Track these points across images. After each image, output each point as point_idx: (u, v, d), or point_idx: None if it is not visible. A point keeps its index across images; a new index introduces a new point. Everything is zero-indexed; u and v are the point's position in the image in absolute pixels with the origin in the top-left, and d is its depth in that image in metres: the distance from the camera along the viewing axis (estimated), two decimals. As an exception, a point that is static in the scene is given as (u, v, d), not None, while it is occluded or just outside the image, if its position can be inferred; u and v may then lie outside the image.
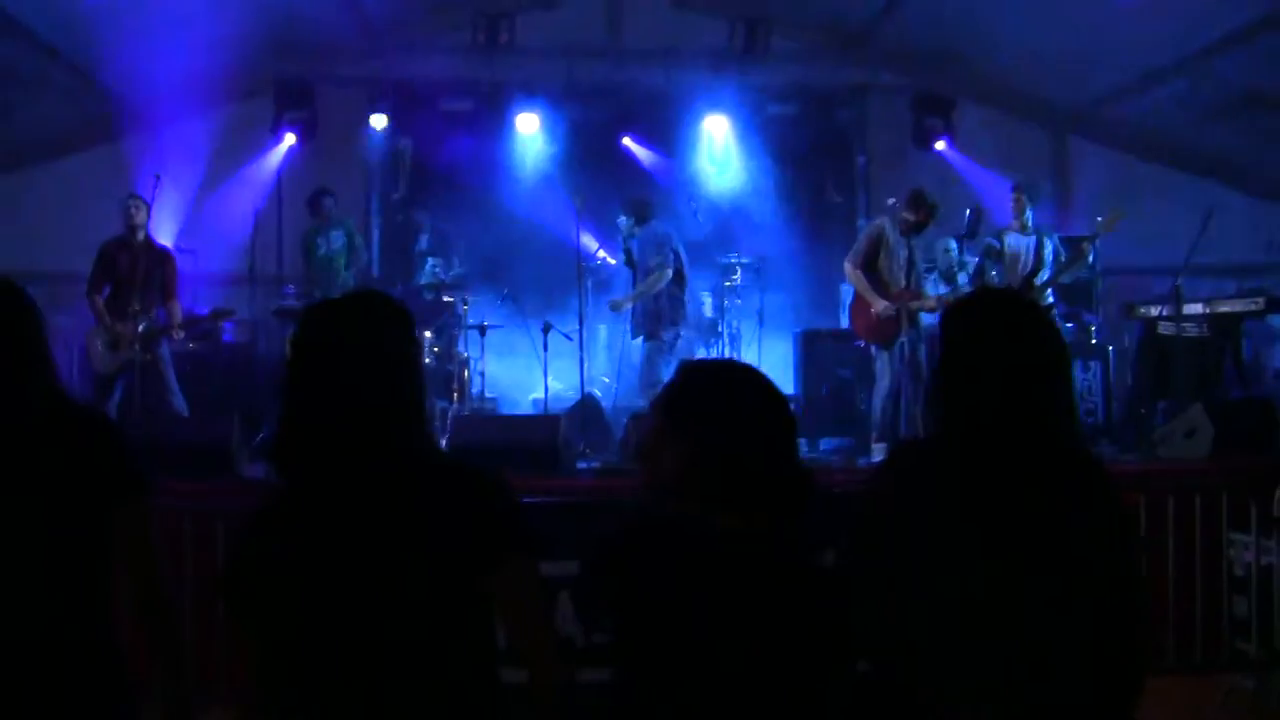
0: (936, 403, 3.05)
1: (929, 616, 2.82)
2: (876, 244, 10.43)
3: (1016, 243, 10.70)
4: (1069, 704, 2.81)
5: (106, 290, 10.22)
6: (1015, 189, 10.89)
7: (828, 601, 2.85)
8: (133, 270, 10.17)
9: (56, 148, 13.04)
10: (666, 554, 2.84)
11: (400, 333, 2.97)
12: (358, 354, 2.86)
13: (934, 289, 11.13)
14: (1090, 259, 10.72)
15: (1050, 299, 10.56)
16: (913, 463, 3.06)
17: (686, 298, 10.96)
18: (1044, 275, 10.49)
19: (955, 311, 3.16)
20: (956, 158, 13.95)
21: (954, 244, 12.10)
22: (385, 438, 2.82)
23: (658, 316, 10.66)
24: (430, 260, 12.02)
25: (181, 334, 10.51)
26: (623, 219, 11.03)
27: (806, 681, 2.81)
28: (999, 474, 2.85)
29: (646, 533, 2.91)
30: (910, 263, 10.38)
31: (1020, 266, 10.60)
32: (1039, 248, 10.61)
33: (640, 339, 10.80)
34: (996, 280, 10.59)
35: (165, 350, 10.33)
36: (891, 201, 10.64)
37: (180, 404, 10.20)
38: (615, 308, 11.22)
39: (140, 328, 10.04)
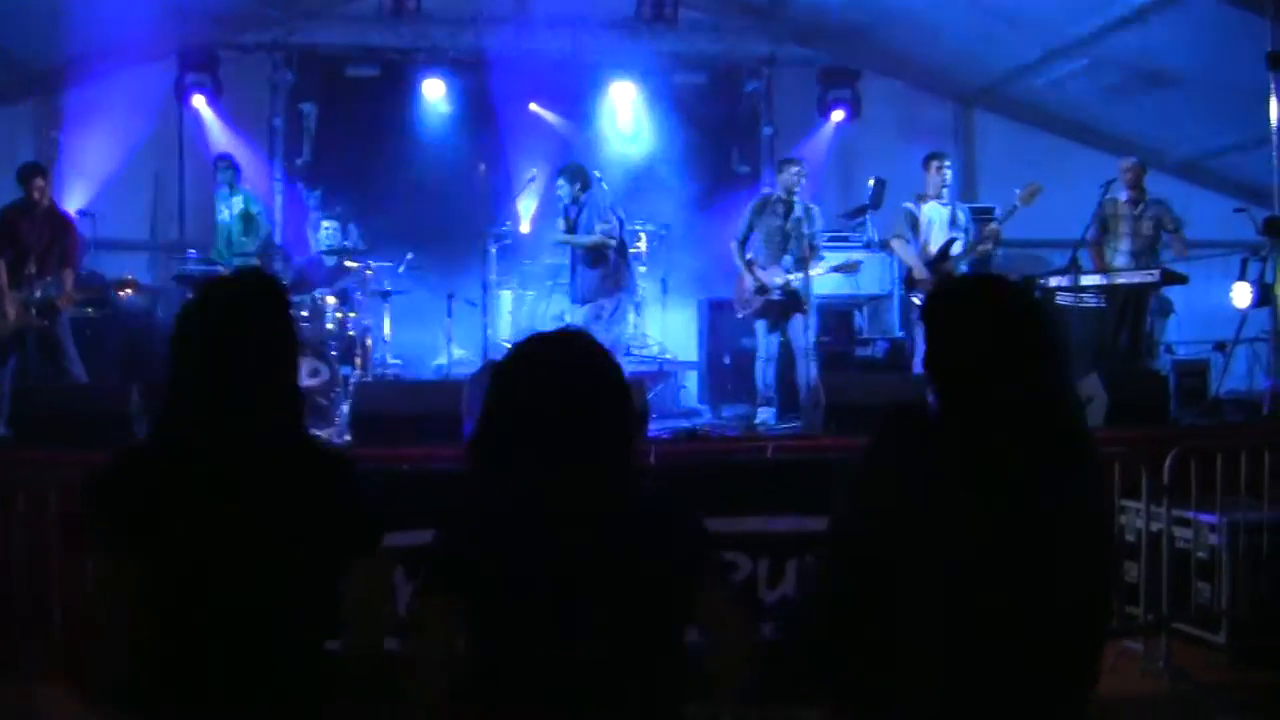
0: (931, 378, 3.08)
1: (920, 575, 2.84)
2: (750, 220, 10.76)
3: (934, 213, 10.80)
4: (1044, 663, 2.85)
5: (6, 256, 10.05)
6: (936, 156, 10.96)
7: (679, 563, 2.93)
8: (34, 237, 10.02)
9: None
10: (506, 527, 2.88)
11: (271, 318, 3.11)
12: (231, 339, 2.99)
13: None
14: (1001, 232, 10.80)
15: (964, 269, 10.69)
16: (910, 430, 3.06)
17: (627, 265, 11.05)
18: (958, 247, 10.60)
19: (940, 296, 3.24)
20: (862, 130, 14.02)
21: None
22: (251, 418, 2.95)
23: (600, 284, 10.74)
24: (324, 225, 11.88)
25: (73, 304, 10.34)
26: (564, 186, 10.99)
27: (657, 643, 2.89)
28: (996, 443, 2.87)
29: (483, 507, 2.94)
30: (786, 234, 10.57)
31: (937, 235, 10.70)
32: (955, 217, 10.73)
33: (582, 305, 10.81)
34: (913, 250, 10.70)
35: (64, 318, 10.18)
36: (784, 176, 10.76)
37: (79, 371, 10.06)
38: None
39: (38, 294, 9.90)
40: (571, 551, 2.81)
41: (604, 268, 10.76)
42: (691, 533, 3.02)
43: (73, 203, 12.24)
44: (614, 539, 2.86)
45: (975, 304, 3.08)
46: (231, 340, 2.99)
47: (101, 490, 2.95)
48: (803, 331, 10.43)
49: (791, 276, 10.41)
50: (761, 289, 10.55)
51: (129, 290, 11.03)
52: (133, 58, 13.28)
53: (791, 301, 10.47)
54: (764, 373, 10.70)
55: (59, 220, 10.30)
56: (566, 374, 2.95)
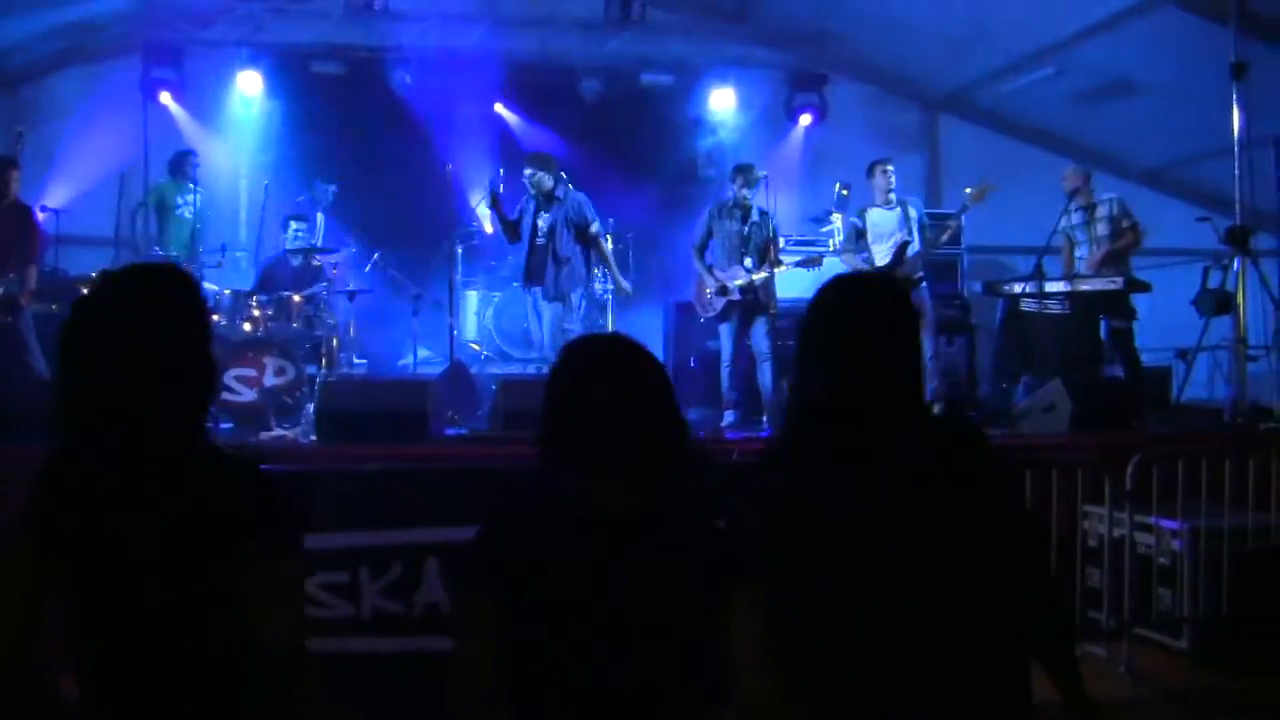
0: (794, 387, 3.13)
1: (816, 602, 2.88)
2: (708, 225, 10.88)
3: (880, 218, 10.87)
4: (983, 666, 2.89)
5: None
6: (879, 163, 11.04)
7: (713, 565, 2.90)
8: None
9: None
10: (548, 527, 2.90)
11: (180, 316, 2.96)
12: (127, 336, 2.85)
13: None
14: (958, 228, 10.85)
15: (920, 272, 10.73)
16: (785, 449, 3.12)
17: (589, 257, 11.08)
18: (913, 248, 10.64)
19: (813, 300, 3.21)
20: (827, 133, 14.06)
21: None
22: (150, 419, 2.84)
23: (571, 279, 10.73)
24: (294, 225, 11.84)
25: (33, 299, 10.28)
26: (543, 176, 10.85)
27: (693, 648, 2.87)
28: (861, 453, 2.91)
29: (529, 507, 2.97)
30: (744, 238, 10.64)
31: (888, 240, 10.75)
32: (904, 219, 10.77)
33: (551, 301, 10.72)
34: (865, 260, 10.75)
35: (26, 313, 10.12)
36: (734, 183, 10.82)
37: (41, 366, 10.00)
38: (624, 293, 11.58)
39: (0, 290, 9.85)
40: (618, 558, 2.83)
41: (575, 264, 10.79)
42: (729, 539, 3.02)
43: (36, 198, 12.18)
44: (659, 545, 2.87)
45: (817, 303, 3.13)
46: (120, 333, 2.84)
47: (38, 509, 2.86)
48: (765, 334, 10.52)
49: (755, 277, 10.45)
50: (723, 290, 10.59)
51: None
52: (98, 53, 13.23)
53: (753, 303, 10.55)
54: (727, 376, 10.74)
55: (22, 214, 10.25)
56: (623, 378, 2.94)
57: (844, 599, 2.87)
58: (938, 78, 14.25)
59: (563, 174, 11.03)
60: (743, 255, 10.60)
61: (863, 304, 3.09)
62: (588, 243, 10.92)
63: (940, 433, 3.08)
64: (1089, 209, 10.93)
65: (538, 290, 10.82)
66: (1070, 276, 10.85)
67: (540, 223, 10.86)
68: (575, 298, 10.80)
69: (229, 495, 2.88)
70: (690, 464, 3.01)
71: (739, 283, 10.52)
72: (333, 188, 12.55)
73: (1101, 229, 10.88)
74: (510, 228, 10.97)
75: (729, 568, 2.90)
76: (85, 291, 2.99)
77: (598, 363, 2.99)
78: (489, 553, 2.93)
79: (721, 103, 14.39)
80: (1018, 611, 2.95)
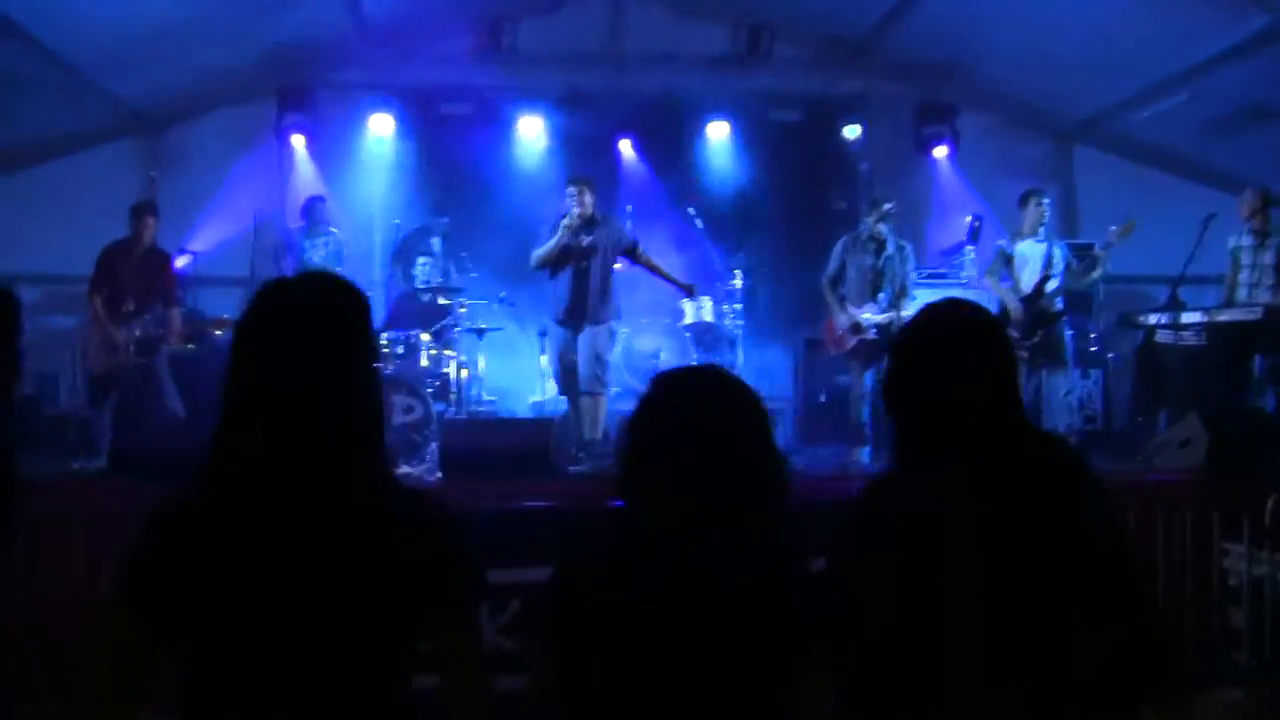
0: (891, 417, 3.05)
1: (914, 646, 2.78)
2: (841, 257, 10.72)
3: (1030, 250, 10.66)
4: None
5: (106, 293, 10.22)
6: (1034, 194, 10.81)
7: (801, 612, 2.82)
8: (133, 275, 10.20)
9: (58, 149, 13.03)
10: (621, 574, 2.82)
11: (360, 329, 2.66)
12: (309, 352, 2.54)
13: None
14: (1105, 267, 10.59)
15: (1060, 306, 10.56)
16: (880, 495, 3.02)
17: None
18: (1054, 284, 10.45)
19: (902, 330, 3.17)
20: (959, 166, 13.91)
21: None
22: (332, 457, 2.52)
23: (608, 303, 10.40)
24: (420, 261, 11.98)
25: (180, 341, 10.50)
26: (588, 196, 10.36)
27: (773, 694, 2.77)
28: (964, 494, 2.80)
29: (602, 553, 2.90)
30: (879, 272, 10.50)
31: (1031, 273, 10.56)
32: (1050, 255, 10.57)
33: (594, 326, 10.28)
34: (1006, 286, 10.58)
35: (163, 354, 10.33)
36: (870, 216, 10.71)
37: (176, 406, 10.19)
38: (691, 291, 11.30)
39: (137, 332, 10.05)
40: (694, 604, 2.73)
41: (611, 287, 10.49)
42: (812, 587, 2.91)
43: (174, 240, 12.46)
44: (739, 592, 2.77)
45: (910, 339, 3.06)
46: (297, 353, 2.53)
47: (141, 560, 2.50)
48: None
49: (886, 316, 10.34)
50: (856, 328, 10.48)
51: (226, 328, 11.14)
52: (233, 97, 13.52)
53: (886, 340, 10.31)
54: (860, 411, 10.58)
55: (158, 259, 10.47)
56: (714, 417, 2.87)
57: (929, 656, 2.77)
58: (1069, 107, 14.02)
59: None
60: (876, 290, 10.49)
61: (953, 330, 3.00)
62: (635, 260, 10.71)
63: (1040, 467, 2.89)
64: (1262, 234, 10.63)
65: (580, 318, 10.33)
66: (1229, 304, 10.56)
67: (583, 246, 10.36)
68: (615, 324, 10.52)
69: (420, 547, 2.56)
70: (778, 504, 2.91)
71: (872, 318, 10.42)
72: (445, 220, 12.67)
73: (1269, 257, 10.58)
74: (559, 255, 10.37)
75: (808, 618, 2.81)
76: (253, 309, 2.61)
77: (683, 398, 2.93)
78: (561, 602, 2.86)
79: (850, 137, 14.33)
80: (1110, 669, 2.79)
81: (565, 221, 10.14)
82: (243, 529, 2.45)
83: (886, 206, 10.64)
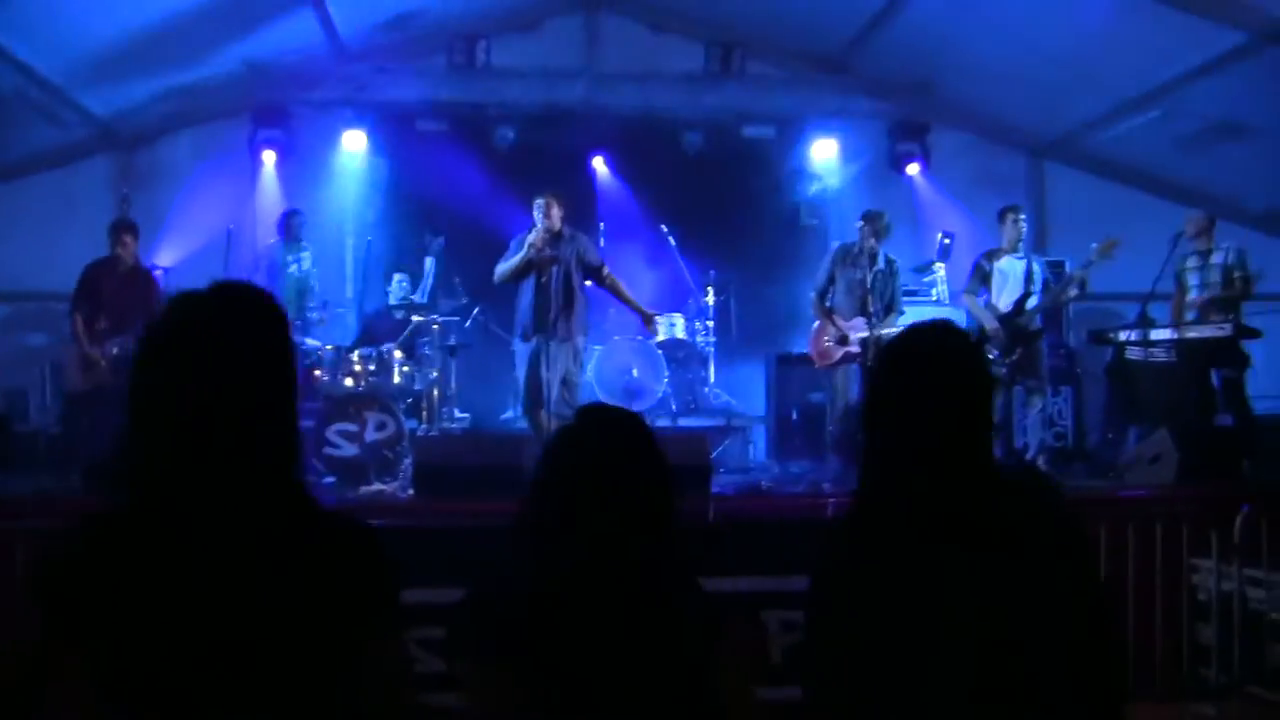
0: (864, 440, 3.02)
1: (890, 675, 2.77)
2: (831, 270, 10.65)
3: (1009, 266, 10.67)
4: None
5: (86, 311, 10.21)
6: (1012, 210, 10.85)
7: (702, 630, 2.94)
8: (115, 294, 10.20)
9: (32, 166, 13.00)
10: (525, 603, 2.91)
11: (275, 335, 2.54)
12: (220, 358, 2.42)
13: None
14: (1086, 284, 10.63)
15: (1039, 323, 10.60)
16: (857, 519, 2.99)
17: None
18: (1034, 301, 10.47)
19: (883, 349, 3.17)
20: (931, 183, 13.97)
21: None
22: (246, 470, 2.40)
23: (573, 318, 10.24)
24: (396, 277, 11.99)
25: None
26: (556, 210, 10.22)
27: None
28: (933, 522, 2.79)
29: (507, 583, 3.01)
30: (868, 286, 10.40)
31: (1009, 291, 10.58)
32: (1028, 272, 10.59)
33: (560, 344, 10.10)
34: (985, 304, 10.59)
35: None
36: (858, 225, 10.65)
37: None
38: (651, 320, 11.04)
39: (114, 350, 10.03)
40: (598, 633, 2.84)
41: (586, 304, 10.45)
42: (707, 612, 3.01)
43: (147, 258, 12.45)
44: (640, 621, 2.88)
45: (891, 356, 3.06)
46: (212, 363, 2.41)
47: (50, 575, 2.36)
48: None
49: (880, 331, 10.22)
50: (843, 339, 10.43)
51: None
52: (208, 114, 13.53)
53: (867, 357, 10.27)
54: (837, 430, 10.51)
55: (141, 277, 10.47)
56: (612, 458, 3.00)
57: (899, 681, 2.76)
58: (1041, 124, 14.10)
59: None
60: (865, 304, 10.39)
61: (935, 354, 2.97)
62: (600, 283, 10.53)
63: (1014, 496, 2.89)
64: (1206, 254, 10.72)
65: (545, 336, 10.07)
66: (1178, 324, 10.66)
67: (546, 257, 10.17)
68: (581, 340, 10.39)
69: (339, 567, 2.44)
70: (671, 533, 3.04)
71: (860, 335, 10.35)
72: (441, 240, 12.68)
73: (1214, 275, 10.67)
74: (523, 268, 10.22)
75: (715, 632, 2.95)
76: (160, 314, 2.50)
77: (599, 439, 3.09)
78: (470, 626, 2.96)
79: (823, 153, 14.38)
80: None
81: (530, 238, 10.07)
82: (152, 546, 2.34)
83: (884, 221, 10.59)
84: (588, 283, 10.50)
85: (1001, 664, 2.69)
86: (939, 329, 3.05)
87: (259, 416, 2.44)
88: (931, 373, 2.91)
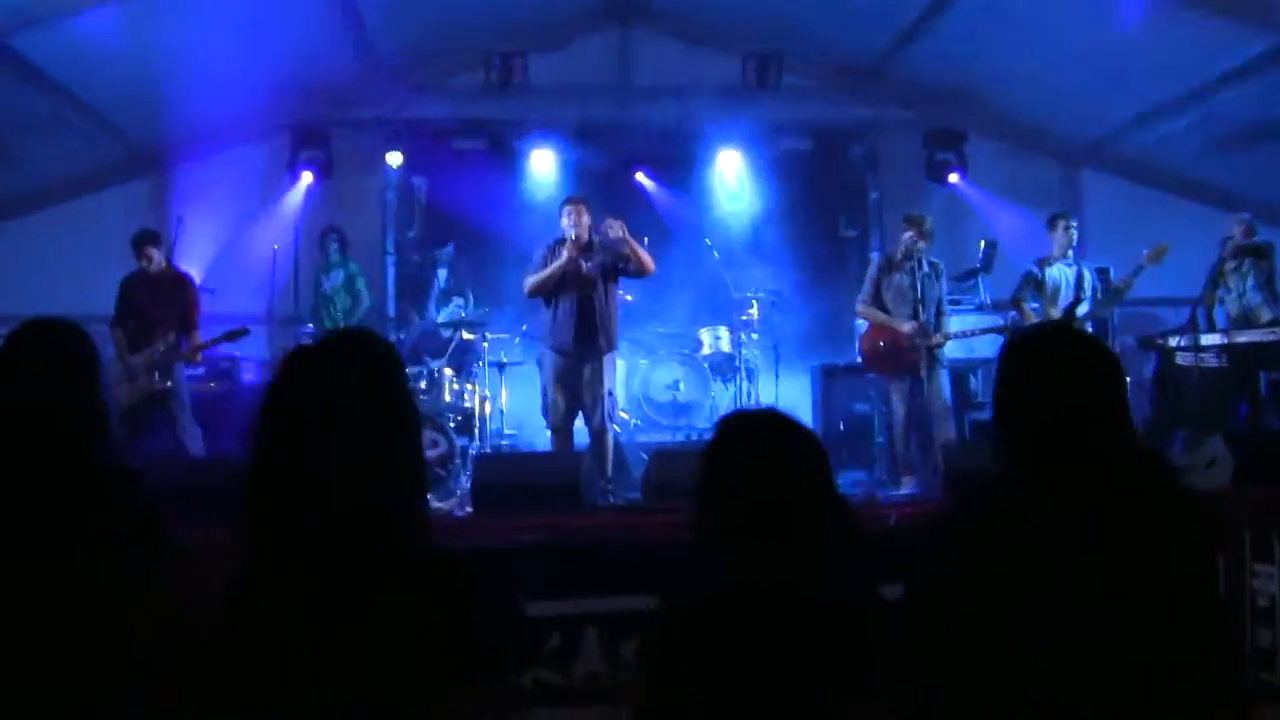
0: (998, 439, 3.03)
1: (1010, 659, 2.76)
2: (876, 279, 10.52)
3: (1059, 273, 10.66)
4: None
5: (129, 326, 10.28)
6: (1062, 216, 10.83)
7: (881, 639, 2.87)
8: (151, 301, 10.25)
9: (76, 189, 13.11)
10: (715, 608, 2.90)
11: (396, 381, 2.66)
12: (345, 408, 2.50)
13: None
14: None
15: (1090, 329, 10.52)
16: (981, 503, 3.00)
17: None
18: (1084, 307, 10.45)
19: (1013, 347, 3.13)
20: (969, 191, 13.97)
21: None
22: (373, 520, 2.46)
23: (611, 333, 10.13)
24: (455, 299, 12.04)
25: (197, 357, 10.48)
26: (586, 216, 10.12)
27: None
28: (1071, 512, 2.78)
29: (697, 586, 2.97)
30: (919, 294, 10.25)
31: (1061, 298, 10.56)
32: (1079, 278, 10.58)
33: (598, 360, 9.98)
34: (1036, 311, 10.58)
35: (182, 382, 10.32)
36: (902, 229, 10.58)
37: (196, 446, 10.18)
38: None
39: (157, 354, 10.07)
40: (780, 633, 2.81)
41: (613, 317, 10.17)
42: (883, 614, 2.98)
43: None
44: (817, 620, 2.84)
45: (1059, 355, 3.02)
46: (330, 415, 2.48)
47: (194, 646, 2.50)
48: (948, 389, 10.23)
49: (940, 338, 10.23)
50: (922, 331, 10.19)
51: (240, 336, 11.07)
52: (246, 135, 13.62)
53: (934, 362, 10.20)
54: (900, 438, 10.33)
55: (176, 281, 10.50)
56: (777, 455, 2.98)
57: (1034, 669, 2.74)
58: (1078, 130, 14.09)
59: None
60: (916, 310, 10.22)
61: (1075, 351, 3.01)
62: (626, 272, 10.20)
63: (1149, 496, 2.87)
64: (1243, 258, 10.72)
65: (584, 350, 9.96)
66: (1226, 329, 10.66)
67: (584, 274, 10.01)
68: (614, 354, 10.21)
69: (453, 612, 2.47)
70: (849, 535, 3.01)
71: (928, 341, 10.19)
72: (449, 248, 12.75)
73: (1252, 282, 10.68)
74: (556, 280, 10.02)
75: (887, 640, 2.88)
76: (286, 360, 2.62)
77: (755, 438, 3.04)
78: (668, 633, 2.94)
79: (859, 164, 14.40)
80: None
81: (565, 249, 9.91)
82: (286, 605, 2.42)
83: (928, 224, 10.46)
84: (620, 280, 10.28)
85: (1121, 675, 2.70)
86: (1064, 326, 3.10)
87: (382, 460, 2.51)
88: (1079, 361, 2.96)
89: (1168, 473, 2.98)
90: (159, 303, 10.30)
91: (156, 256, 10.50)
